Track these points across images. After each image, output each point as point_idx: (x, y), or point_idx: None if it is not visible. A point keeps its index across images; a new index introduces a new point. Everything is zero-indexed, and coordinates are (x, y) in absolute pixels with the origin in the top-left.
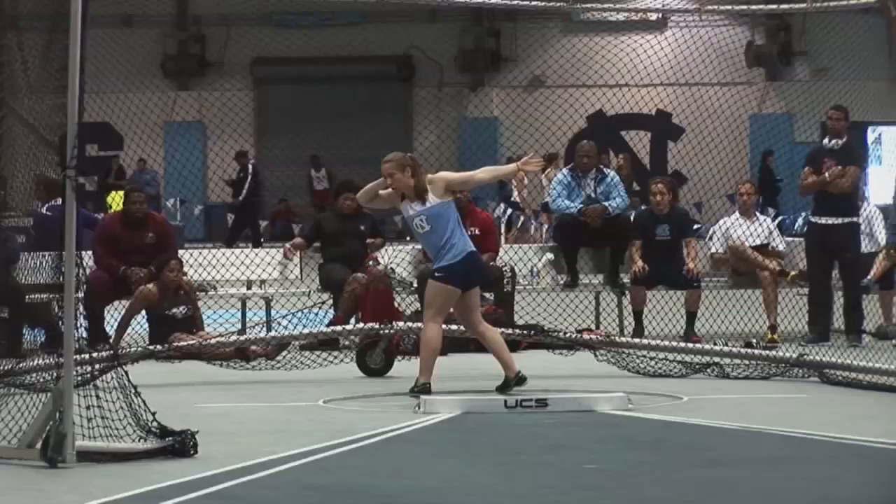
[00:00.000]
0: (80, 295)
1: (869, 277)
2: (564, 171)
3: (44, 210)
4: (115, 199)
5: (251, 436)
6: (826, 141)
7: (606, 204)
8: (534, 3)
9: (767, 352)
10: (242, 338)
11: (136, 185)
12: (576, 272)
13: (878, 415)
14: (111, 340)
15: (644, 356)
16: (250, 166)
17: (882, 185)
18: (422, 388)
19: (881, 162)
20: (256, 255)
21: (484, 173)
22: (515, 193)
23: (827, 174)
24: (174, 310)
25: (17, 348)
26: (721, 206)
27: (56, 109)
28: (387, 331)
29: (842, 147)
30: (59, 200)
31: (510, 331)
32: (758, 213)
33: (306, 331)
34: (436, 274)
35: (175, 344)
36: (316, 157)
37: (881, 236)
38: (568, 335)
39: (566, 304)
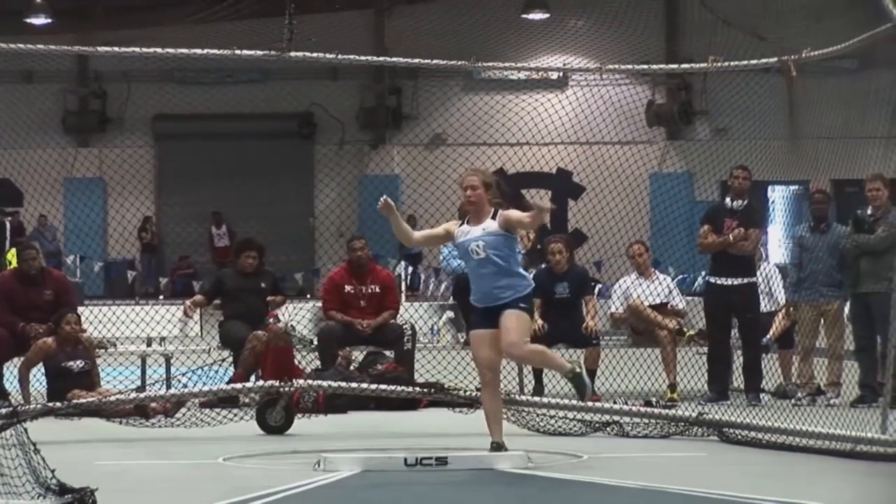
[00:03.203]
0: None
1: (768, 336)
2: None
3: None
4: (14, 256)
5: (151, 493)
6: (728, 200)
7: None
8: (435, 61)
9: (667, 410)
10: (142, 395)
11: (27, 242)
12: None
13: (777, 473)
14: (11, 397)
15: (544, 414)
16: (7, 223)
17: (779, 244)
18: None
19: (776, 220)
20: (157, 311)
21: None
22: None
23: (731, 236)
24: (71, 363)
25: None
26: (622, 265)
27: None
28: (287, 388)
29: (744, 208)
30: None
31: (410, 388)
32: (656, 272)
33: (206, 388)
34: (521, 305)
35: (74, 400)
36: (217, 213)
37: (780, 295)
38: (468, 393)
39: (466, 363)
